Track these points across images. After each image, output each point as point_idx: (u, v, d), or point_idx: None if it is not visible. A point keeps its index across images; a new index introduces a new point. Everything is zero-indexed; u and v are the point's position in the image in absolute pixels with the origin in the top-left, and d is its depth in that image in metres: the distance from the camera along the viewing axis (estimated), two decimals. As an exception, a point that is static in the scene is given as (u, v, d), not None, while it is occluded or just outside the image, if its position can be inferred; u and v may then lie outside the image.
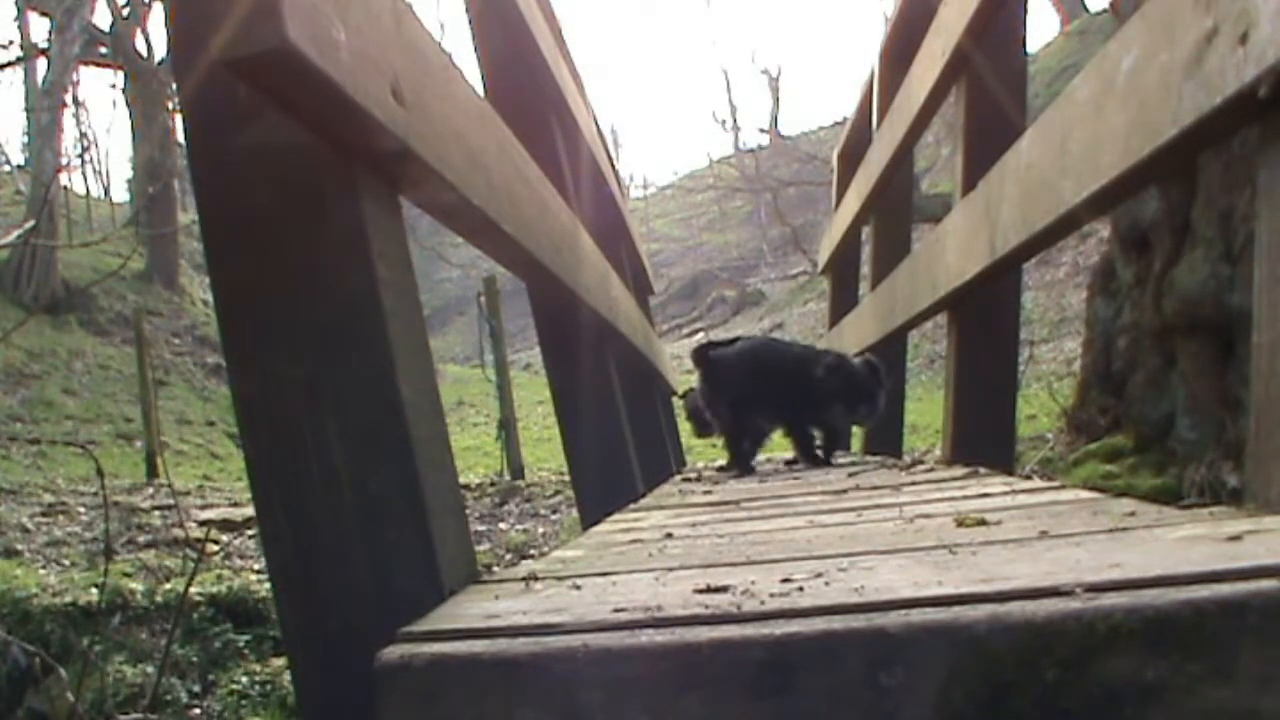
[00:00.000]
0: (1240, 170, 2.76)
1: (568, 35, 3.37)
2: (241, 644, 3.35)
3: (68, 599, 3.41)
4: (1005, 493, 1.64)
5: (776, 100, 34.32)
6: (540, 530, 4.81)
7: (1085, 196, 1.46)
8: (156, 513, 5.07)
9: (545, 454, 8.30)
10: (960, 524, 1.23)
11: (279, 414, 0.97)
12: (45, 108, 13.48)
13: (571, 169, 2.76)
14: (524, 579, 1.05)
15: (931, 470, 2.41)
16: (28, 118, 17.76)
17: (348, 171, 0.97)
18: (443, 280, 26.16)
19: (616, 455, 2.57)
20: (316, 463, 0.96)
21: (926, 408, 6.83)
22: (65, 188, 16.16)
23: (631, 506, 2.29)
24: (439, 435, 1.07)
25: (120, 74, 15.84)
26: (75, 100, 18.32)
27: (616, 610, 0.82)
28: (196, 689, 3.18)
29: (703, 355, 3.25)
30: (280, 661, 3.21)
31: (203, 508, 5.49)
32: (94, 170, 35.52)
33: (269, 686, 3.17)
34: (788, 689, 0.71)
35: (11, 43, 16.34)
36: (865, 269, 4.56)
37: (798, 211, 22.80)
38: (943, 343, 3.30)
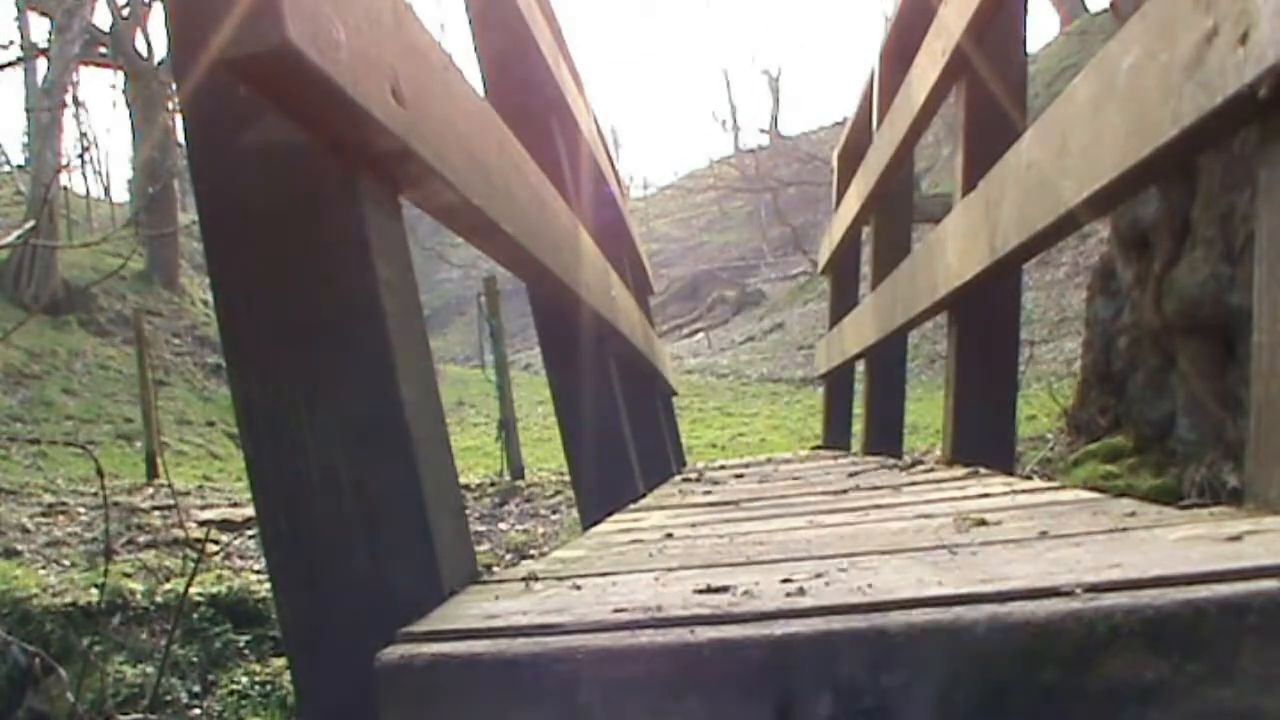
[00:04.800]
0: (1240, 170, 2.76)
1: (568, 35, 3.37)
2: (241, 644, 3.35)
3: (68, 599, 3.41)
4: (1005, 493, 1.64)
5: (776, 100, 34.34)
6: (540, 530, 4.81)
7: (1085, 196, 1.46)
8: (156, 513, 5.07)
9: (545, 454, 8.30)
10: (960, 524, 1.23)
11: (279, 414, 0.97)
12: (45, 108, 13.46)
13: (571, 169, 2.76)
14: (524, 579, 1.05)
15: (931, 470, 2.41)
16: (28, 118, 17.74)
17: (348, 171, 0.97)
18: (443, 280, 26.16)
19: (616, 455, 2.56)
20: (316, 463, 0.96)
21: (926, 408, 6.83)
22: (65, 188, 16.14)
23: (631, 506, 2.29)
24: (439, 435, 1.07)
25: (120, 74, 15.83)
26: (75, 100, 18.29)
27: (616, 610, 0.82)
28: (196, 689, 3.18)
29: None
30: (280, 661, 3.21)
31: (203, 508, 5.48)
32: (94, 170, 35.50)
33: (269, 686, 3.17)
34: (788, 689, 0.71)
35: (12, 43, 16.34)
36: (865, 269, 4.56)
37: (798, 211, 22.80)
38: (943, 343, 3.30)
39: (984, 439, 2.42)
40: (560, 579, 1.05)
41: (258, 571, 3.80)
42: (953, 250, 2.26)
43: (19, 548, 4.34)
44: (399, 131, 0.98)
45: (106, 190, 25.95)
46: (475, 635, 0.79)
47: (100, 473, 2.84)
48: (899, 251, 3.58)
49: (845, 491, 2.06)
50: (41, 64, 15.70)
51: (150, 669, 3.16)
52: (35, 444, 9.09)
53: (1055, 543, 0.98)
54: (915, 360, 10.33)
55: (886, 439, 3.98)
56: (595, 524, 1.98)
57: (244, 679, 3.19)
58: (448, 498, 1.05)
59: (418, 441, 0.98)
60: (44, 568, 4.01)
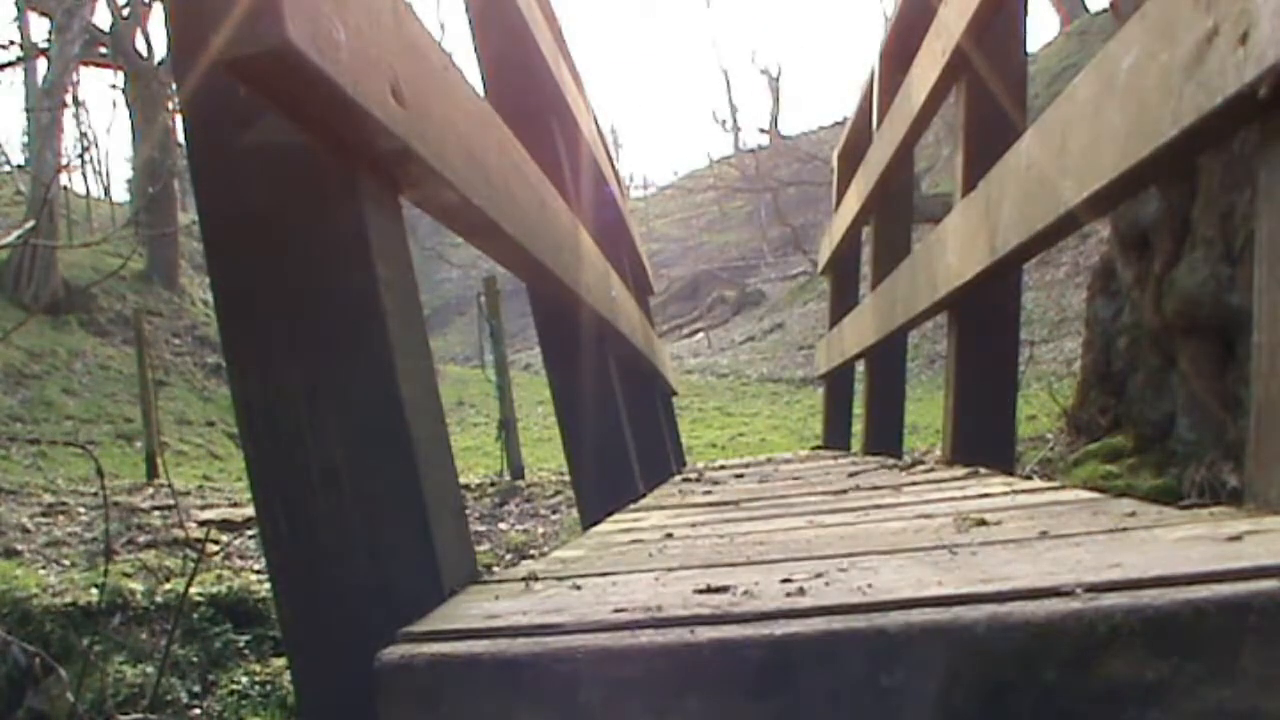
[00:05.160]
0: (1240, 170, 2.76)
1: (568, 35, 3.37)
2: (241, 644, 3.35)
3: (68, 599, 3.40)
4: (1005, 493, 1.64)
5: (776, 100, 34.27)
6: (540, 530, 4.80)
7: (1085, 196, 1.46)
8: (156, 513, 5.06)
9: (545, 454, 8.30)
10: (960, 524, 1.23)
11: (279, 414, 0.97)
12: (45, 108, 13.46)
13: (571, 169, 2.76)
14: (524, 579, 1.05)
15: (931, 470, 2.41)
16: (28, 118, 17.76)
17: (348, 171, 0.97)
18: (443, 280, 26.17)
19: (616, 455, 2.56)
20: (316, 463, 0.96)
21: (926, 408, 6.83)
22: (65, 188, 16.15)
23: (631, 506, 2.29)
24: (439, 435, 1.07)
25: (120, 74, 15.84)
26: (75, 100, 18.32)
27: (616, 610, 0.82)
28: (196, 689, 3.17)
29: None
30: (280, 661, 3.20)
31: (203, 508, 5.48)
32: (94, 170, 35.56)
33: (269, 686, 3.17)
34: (788, 689, 0.71)
35: (12, 43, 16.34)
36: (865, 269, 4.56)
37: (798, 211, 22.82)
38: (943, 343, 3.30)
39: (984, 439, 2.42)
40: (560, 579, 1.05)
41: (258, 571, 3.80)
42: (953, 250, 2.26)
43: (19, 548, 4.34)
44: (399, 131, 0.98)
45: (106, 190, 26.00)
46: (475, 635, 0.79)
47: (100, 473, 2.84)
48: (899, 251, 3.59)
49: (845, 491, 2.06)
50: (41, 64, 15.71)
51: (150, 669, 3.16)
52: (35, 444, 9.09)
53: (1055, 543, 0.98)
54: (915, 360, 10.33)
55: (886, 439, 3.98)
56: (595, 524, 1.98)
57: (244, 679, 3.19)
58: (448, 498, 1.05)
59: (418, 441, 0.98)
60: (44, 568, 4.00)
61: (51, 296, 12.71)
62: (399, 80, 0.99)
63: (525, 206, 1.62)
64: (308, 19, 0.81)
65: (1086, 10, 20.30)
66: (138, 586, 3.56)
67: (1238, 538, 0.85)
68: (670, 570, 1.06)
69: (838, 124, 24.30)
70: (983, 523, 1.22)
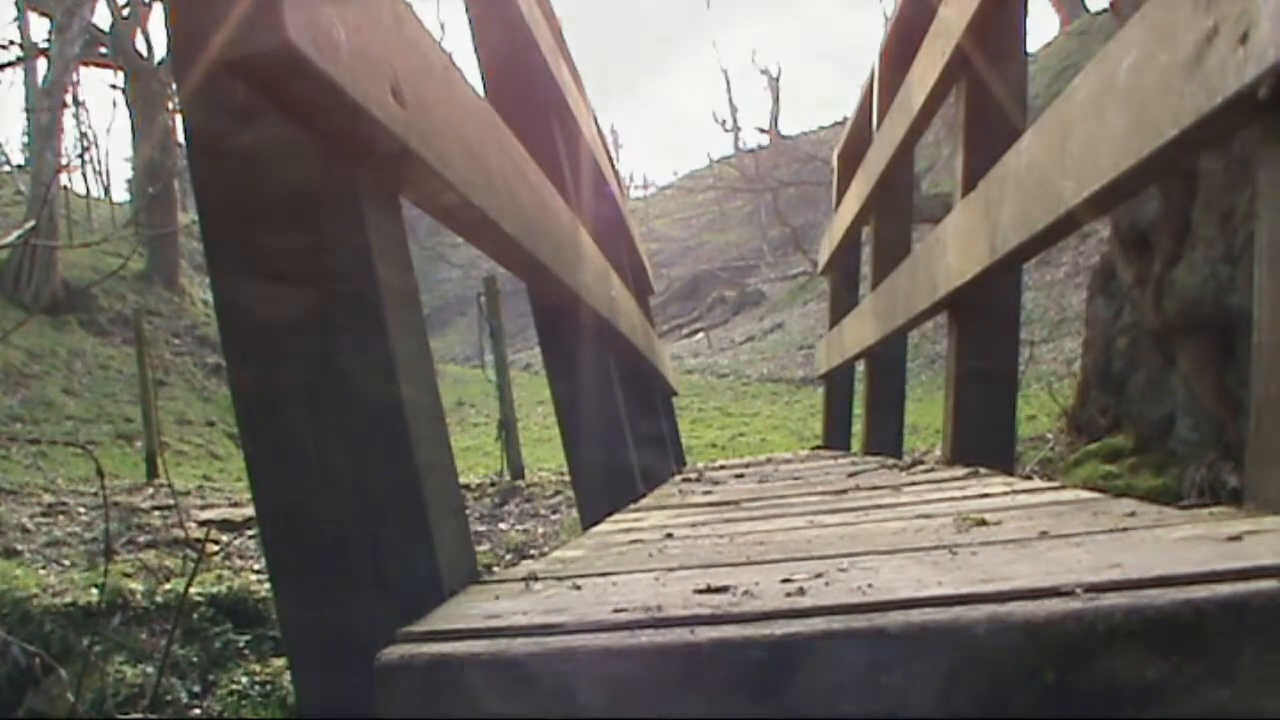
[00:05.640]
0: (1240, 170, 2.76)
1: (568, 35, 3.37)
2: (241, 644, 3.35)
3: (68, 599, 3.41)
4: (1005, 493, 1.64)
5: (776, 100, 34.24)
6: (540, 530, 4.81)
7: (1085, 196, 1.46)
8: (156, 513, 5.06)
9: (545, 454, 8.30)
10: (960, 524, 1.23)
11: (279, 414, 0.97)
12: (45, 108, 13.47)
13: (571, 169, 2.76)
14: (524, 579, 1.05)
15: (931, 470, 2.41)
16: (28, 118, 17.78)
17: (348, 171, 0.97)
18: (443, 280, 26.19)
19: (616, 455, 2.56)
20: (316, 463, 0.96)
21: (926, 408, 6.83)
22: (65, 188, 16.16)
23: (631, 506, 2.29)
24: (439, 435, 1.07)
25: (120, 74, 15.85)
26: (75, 100, 18.35)
27: (616, 610, 0.82)
28: (196, 689, 3.18)
29: None
30: (280, 661, 3.21)
31: (203, 508, 5.48)
32: (94, 170, 35.56)
33: (269, 686, 3.17)
34: (788, 689, 0.71)
35: (12, 43, 16.35)
36: (865, 269, 4.56)
37: (798, 211, 22.83)
38: (943, 343, 3.31)
39: (984, 439, 2.42)
40: (560, 579, 1.05)
41: (258, 571, 3.80)
42: (953, 250, 2.26)
43: (19, 548, 4.34)
44: (399, 131, 0.98)
45: (106, 190, 26.05)
46: (475, 635, 0.79)
47: (100, 473, 2.85)
48: (899, 251, 3.58)
49: (845, 491, 2.06)
50: (41, 64, 15.71)
51: (150, 669, 3.16)
52: (35, 444, 9.08)
53: (1055, 543, 0.98)
54: (915, 360, 10.33)
55: (886, 439, 3.98)
56: (595, 524, 1.98)
57: (244, 679, 3.19)
58: (448, 498, 1.05)
59: (418, 441, 0.98)
60: (44, 568, 4.00)
61: (51, 296, 12.71)
62: (399, 80, 0.99)
63: (525, 206, 1.62)
64: (308, 19, 0.81)
65: (1086, 10, 20.30)
66: (138, 586, 3.56)
67: (1238, 538, 0.85)
68: (670, 570, 1.06)
69: (838, 124, 24.31)
70: (983, 523, 1.22)
